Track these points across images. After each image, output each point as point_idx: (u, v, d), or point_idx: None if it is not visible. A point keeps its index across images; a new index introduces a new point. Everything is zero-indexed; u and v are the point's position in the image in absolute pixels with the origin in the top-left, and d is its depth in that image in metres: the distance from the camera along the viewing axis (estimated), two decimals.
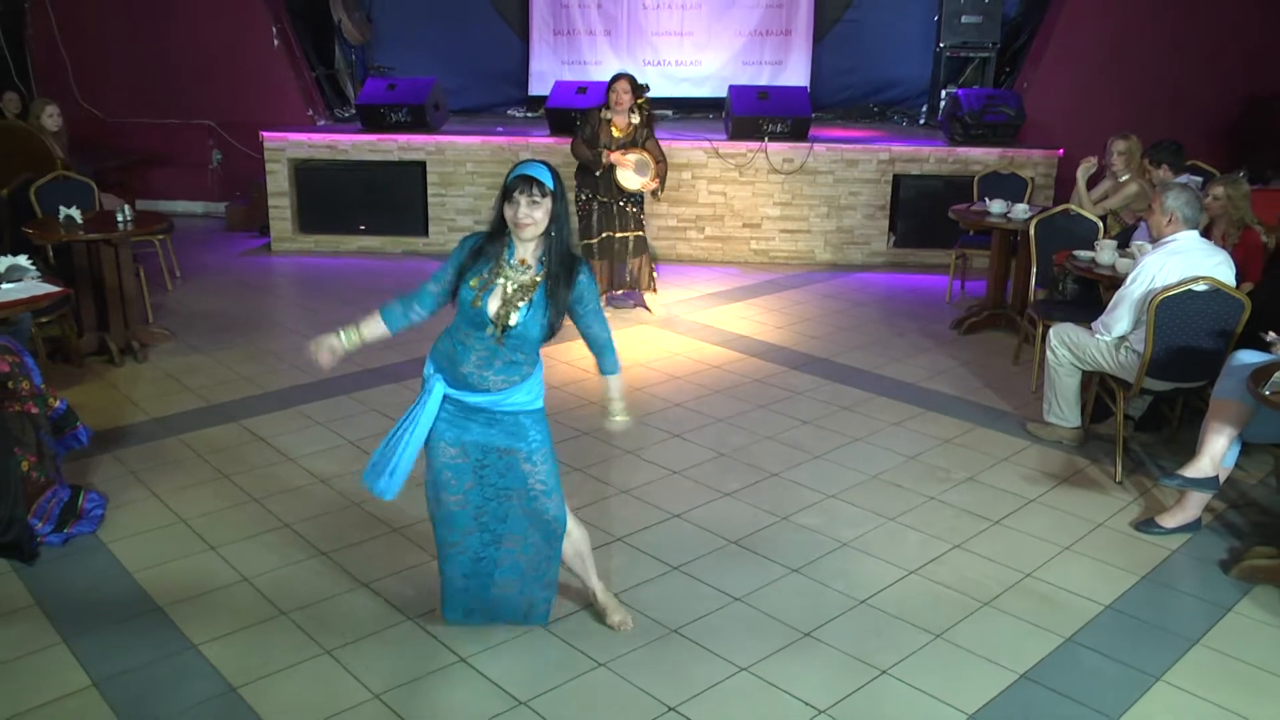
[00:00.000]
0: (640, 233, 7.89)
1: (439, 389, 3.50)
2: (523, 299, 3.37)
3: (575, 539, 3.76)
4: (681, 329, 7.65)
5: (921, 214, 9.57)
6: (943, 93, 10.78)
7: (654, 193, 7.72)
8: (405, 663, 3.64)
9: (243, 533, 4.56)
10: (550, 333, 3.46)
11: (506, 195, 3.32)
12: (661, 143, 8.30)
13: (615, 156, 7.58)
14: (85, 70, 11.59)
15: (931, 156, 9.56)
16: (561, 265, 3.39)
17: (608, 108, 7.64)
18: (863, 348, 7.25)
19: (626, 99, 7.54)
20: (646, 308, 8.09)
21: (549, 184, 3.31)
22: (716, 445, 5.53)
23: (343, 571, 4.24)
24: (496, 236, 3.39)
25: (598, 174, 7.65)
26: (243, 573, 4.22)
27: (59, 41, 11.52)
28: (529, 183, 3.29)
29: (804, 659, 3.68)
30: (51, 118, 8.66)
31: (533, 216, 3.30)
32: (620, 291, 8.03)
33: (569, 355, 6.93)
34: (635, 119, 7.64)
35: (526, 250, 3.38)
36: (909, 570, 4.29)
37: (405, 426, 3.51)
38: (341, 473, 5.17)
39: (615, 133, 7.64)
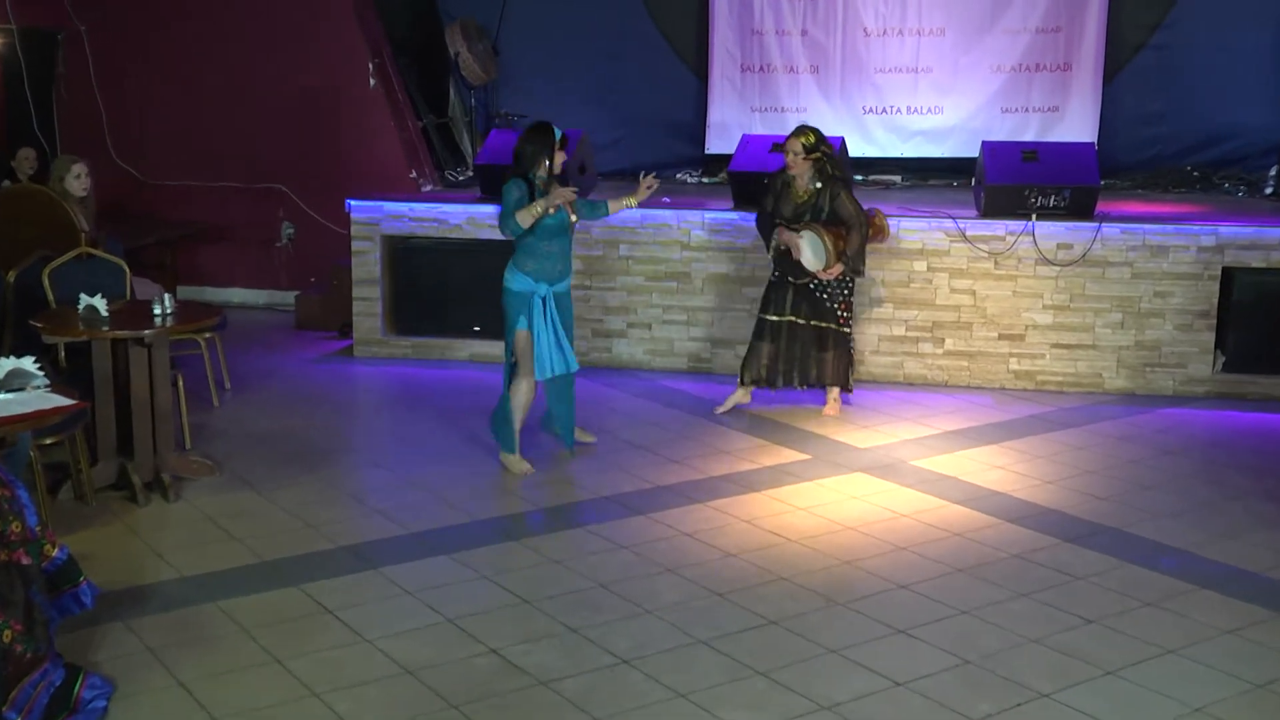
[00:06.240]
0: (834, 326, 8.49)
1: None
2: None
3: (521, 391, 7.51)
4: (909, 479, 7.54)
5: (1266, 325, 9.33)
6: None
7: (854, 271, 8.41)
8: None
9: None
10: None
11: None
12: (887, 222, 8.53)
13: (787, 237, 8.27)
14: (124, 120, 12.31)
15: None
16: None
17: (788, 167, 8.38)
18: (1177, 516, 7.01)
19: (798, 163, 8.24)
20: (828, 408, 8.81)
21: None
22: (958, 648, 5.37)
23: None
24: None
25: (779, 251, 8.39)
26: None
27: (94, 84, 12.27)
28: None
29: None
30: (78, 179, 9.14)
31: None
32: (803, 388, 8.77)
33: (749, 511, 6.91)
34: (819, 183, 8.27)
35: None
36: None
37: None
38: (438, 662, 5.17)
39: (795, 199, 8.31)
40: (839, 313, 8.51)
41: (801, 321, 8.51)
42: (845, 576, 6.11)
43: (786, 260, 8.39)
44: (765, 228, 8.54)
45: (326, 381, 9.76)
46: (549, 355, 7.38)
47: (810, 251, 8.25)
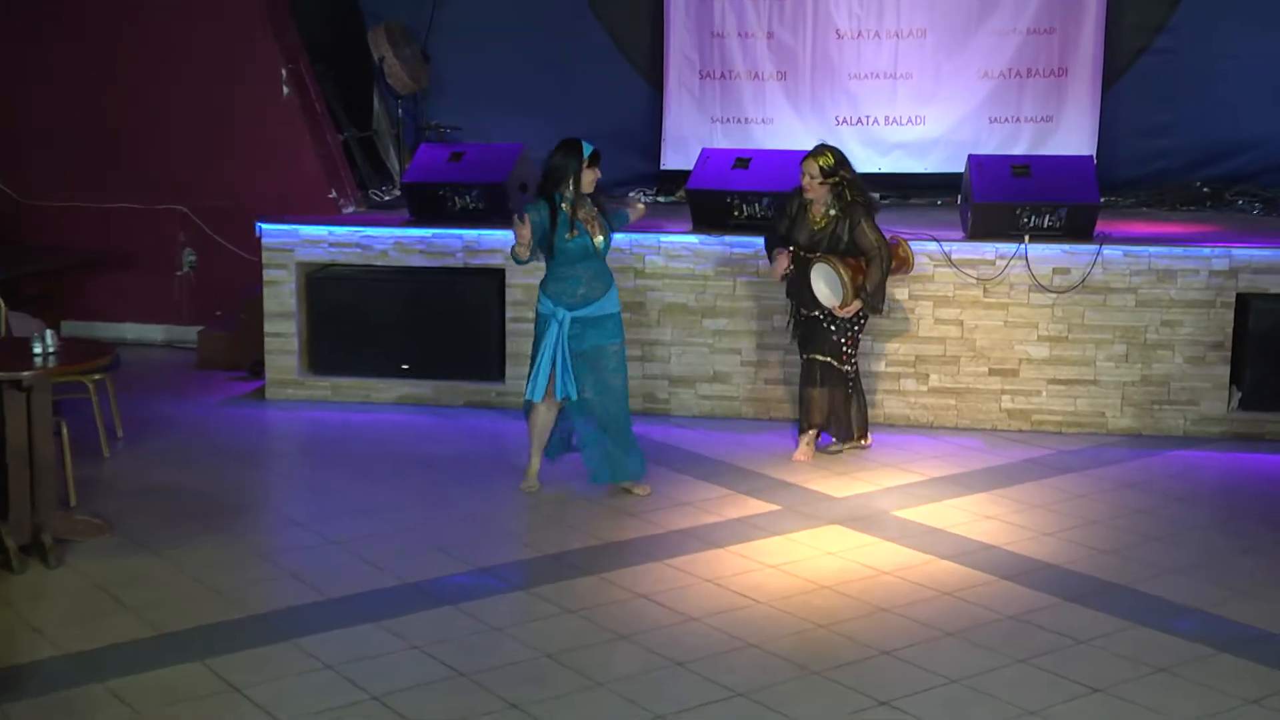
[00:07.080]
0: (833, 361, 8.62)
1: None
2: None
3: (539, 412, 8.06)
4: (891, 532, 7.55)
5: None
6: None
7: (872, 309, 8.56)
8: None
9: None
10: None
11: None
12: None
13: (787, 264, 8.49)
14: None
15: None
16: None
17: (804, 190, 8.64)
18: (1190, 571, 7.04)
19: (814, 187, 8.39)
20: (799, 453, 8.94)
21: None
22: None
23: None
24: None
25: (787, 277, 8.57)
26: None
27: None
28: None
29: None
30: None
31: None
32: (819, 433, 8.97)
33: (712, 569, 6.89)
34: (835, 209, 8.42)
35: None
36: None
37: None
38: None
39: (812, 224, 8.49)
40: (843, 347, 8.60)
41: (813, 357, 8.69)
42: (821, 642, 6.09)
43: (794, 287, 8.56)
44: (772, 249, 8.64)
45: (234, 428, 9.70)
46: (543, 377, 7.84)
47: (826, 286, 8.37)
